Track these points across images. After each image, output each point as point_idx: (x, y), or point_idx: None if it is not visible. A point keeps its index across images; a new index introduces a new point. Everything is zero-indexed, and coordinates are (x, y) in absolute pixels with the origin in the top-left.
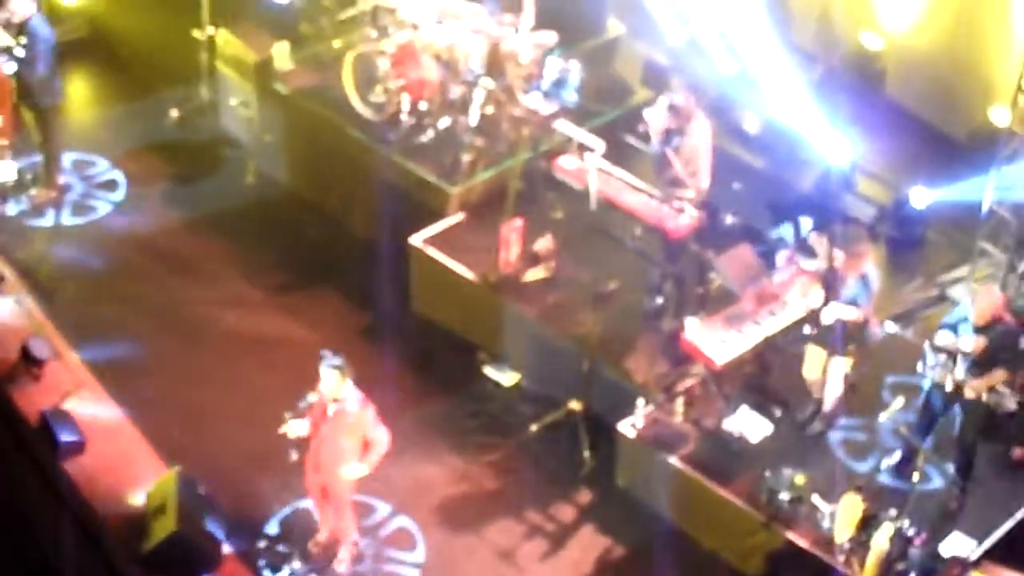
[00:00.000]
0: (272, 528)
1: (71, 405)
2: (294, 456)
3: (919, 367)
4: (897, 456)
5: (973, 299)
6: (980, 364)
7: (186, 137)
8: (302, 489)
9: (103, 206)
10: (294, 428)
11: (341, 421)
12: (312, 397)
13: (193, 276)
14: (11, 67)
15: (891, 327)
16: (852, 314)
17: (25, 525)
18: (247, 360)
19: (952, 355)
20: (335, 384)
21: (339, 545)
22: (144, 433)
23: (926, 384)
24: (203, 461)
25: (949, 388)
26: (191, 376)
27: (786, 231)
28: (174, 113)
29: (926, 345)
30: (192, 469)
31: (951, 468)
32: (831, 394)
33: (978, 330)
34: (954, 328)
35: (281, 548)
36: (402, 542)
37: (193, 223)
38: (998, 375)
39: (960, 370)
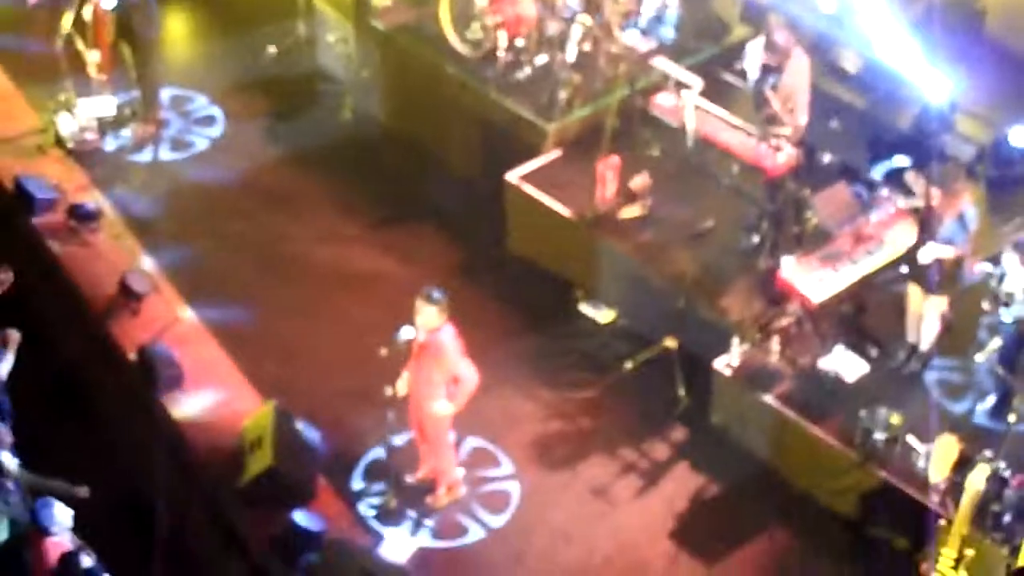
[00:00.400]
0: (368, 463)
1: (169, 339)
2: (389, 391)
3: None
4: (993, 397)
5: None
6: None
7: (284, 73)
8: (398, 424)
9: (201, 142)
10: (404, 334)
11: (432, 354)
12: (408, 331)
13: (290, 212)
14: (111, 2)
15: (989, 267)
16: (949, 253)
17: (125, 458)
18: (343, 295)
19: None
20: (432, 318)
21: (437, 483)
22: (241, 367)
23: (1007, 319)
24: (300, 396)
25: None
26: (288, 311)
27: (884, 169)
28: (272, 49)
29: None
30: (289, 404)
31: None
32: (927, 334)
33: None
34: None
35: (377, 483)
36: (496, 502)
37: (290, 159)
38: None
39: None
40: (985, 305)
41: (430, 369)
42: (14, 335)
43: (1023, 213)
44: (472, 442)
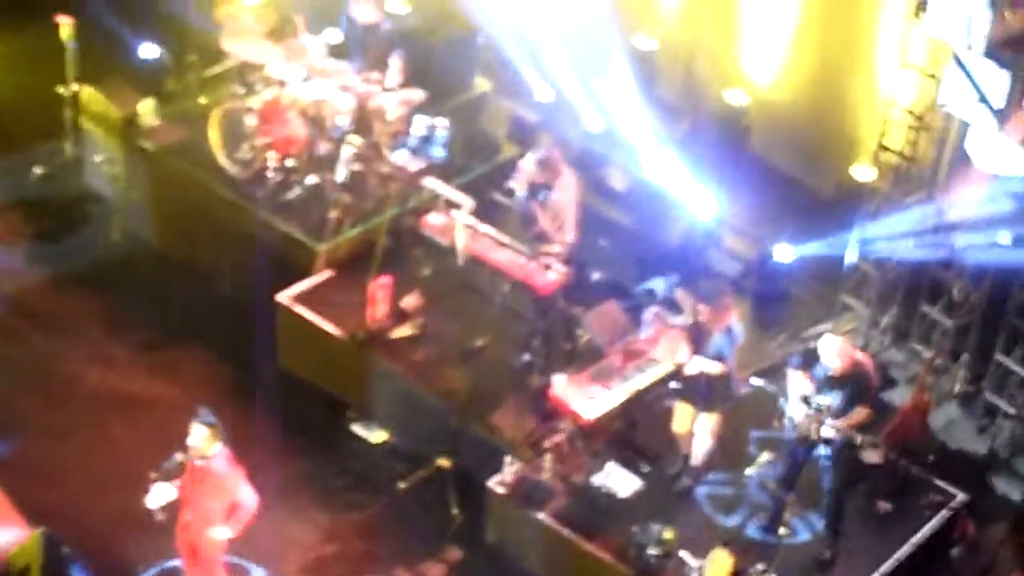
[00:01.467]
0: None
1: None
2: (160, 516)
3: (778, 420)
4: (765, 511)
5: (822, 353)
6: (843, 409)
7: (50, 194)
8: (169, 550)
9: None
10: (159, 494)
11: (208, 481)
12: (179, 456)
13: (58, 333)
14: None
15: (757, 381)
16: (715, 368)
17: None
18: (113, 418)
19: (811, 403)
20: (205, 442)
21: None
22: (7, 493)
23: (788, 434)
24: (68, 522)
25: (814, 436)
26: (55, 434)
27: (652, 287)
28: (38, 170)
29: (783, 398)
30: (57, 530)
31: (819, 521)
32: (698, 449)
33: (839, 379)
34: (820, 381)
35: None
36: None
37: (58, 280)
38: (861, 413)
39: (823, 418)
40: (775, 423)
41: (206, 494)
42: None
43: (788, 328)
44: (246, 566)
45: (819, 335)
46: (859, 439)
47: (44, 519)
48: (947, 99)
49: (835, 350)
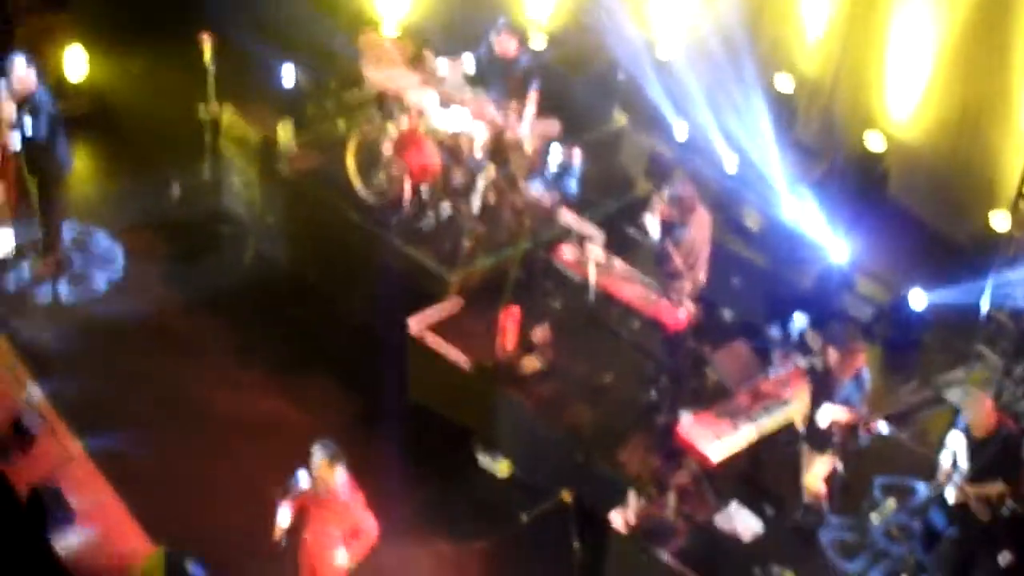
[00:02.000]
0: None
1: (61, 480)
2: (284, 543)
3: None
4: (888, 558)
5: (965, 412)
6: (980, 475)
7: (187, 215)
8: (293, 574)
9: (102, 281)
10: (280, 519)
11: (329, 507)
12: (303, 480)
13: (189, 355)
14: (16, 138)
15: (885, 428)
16: (843, 416)
17: None
18: (240, 441)
19: (955, 461)
20: (326, 469)
21: None
22: (133, 511)
23: (929, 497)
24: (191, 541)
25: (952, 501)
26: (183, 453)
27: (783, 329)
28: (176, 191)
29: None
30: (180, 546)
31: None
32: (822, 493)
33: (981, 442)
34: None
35: None
36: None
37: (191, 302)
38: (995, 488)
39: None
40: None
41: (327, 520)
42: None
43: (920, 376)
44: None
45: (950, 383)
46: (986, 514)
47: (168, 537)
48: None
49: (978, 411)
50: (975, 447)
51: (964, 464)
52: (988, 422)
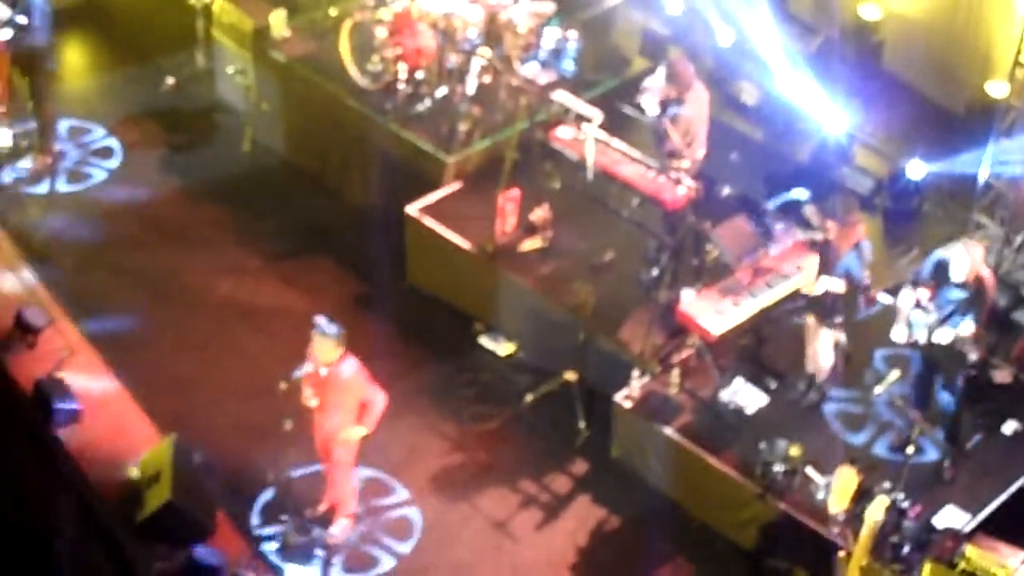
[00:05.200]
0: (267, 496)
1: (66, 373)
2: (288, 425)
3: (895, 332)
4: (893, 429)
5: (963, 255)
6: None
7: (182, 104)
8: (295, 457)
9: (98, 173)
10: (303, 369)
11: (336, 386)
12: (305, 367)
13: (188, 244)
14: (6, 35)
15: (886, 299)
16: (842, 286)
17: (18, 494)
18: (242, 328)
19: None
20: (328, 350)
21: (336, 514)
22: (139, 401)
23: (906, 341)
24: (198, 430)
25: (923, 341)
26: (186, 344)
27: (783, 202)
28: (170, 80)
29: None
30: (187, 438)
31: (938, 431)
32: (825, 366)
33: (960, 285)
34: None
35: (276, 517)
36: (399, 529)
37: (189, 191)
38: (968, 327)
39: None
40: (895, 337)
41: (336, 400)
42: None
43: (920, 246)
44: (373, 474)
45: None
46: (972, 353)
47: (175, 427)
48: None
49: (968, 257)
50: (952, 290)
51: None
52: (977, 270)
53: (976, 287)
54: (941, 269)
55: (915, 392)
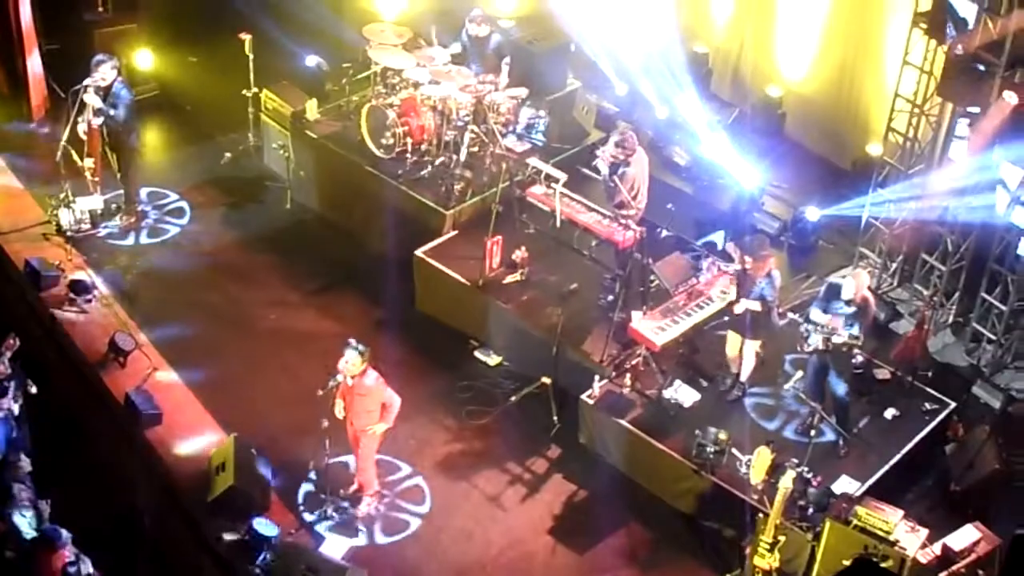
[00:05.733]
0: (309, 481)
1: (150, 386)
2: (325, 424)
3: (802, 344)
4: (798, 417)
5: (850, 280)
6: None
7: (237, 174)
8: (332, 450)
9: (173, 229)
10: (335, 379)
11: (360, 391)
12: (338, 378)
13: (245, 283)
14: (99, 121)
15: (791, 315)
16: (758, 306)
17: (116, 482)
18: (287, 348)
19: (822, 326)
20: (356, 363)
21: (363, 492)
22: (208, 407)
23: (809, 349)
24: (255, 429)
25: (821, 346)
26: (244, 362)
27: (709, 241)
28: (227, 155)
29: (804, 323)
30: (245, 435)
31: (832, 418)
32: (745, 368)
33: (848, 302)
34: (826, 304)
35: (317, 496)
36: (414, 496)
37: (244, 241)
38: (854, 334)
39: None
40: (811, 342)
41: (362, 403)
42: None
43: (817, 273)
44: (391, 459)
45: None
46: (857, 353)
47: (236, 427)
48: (941, 92)
49: (857, 281)
50: (844, 306)
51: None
52: (861, 291)
53: (862, 304)
54: (833, 290)
55: (813, 387)
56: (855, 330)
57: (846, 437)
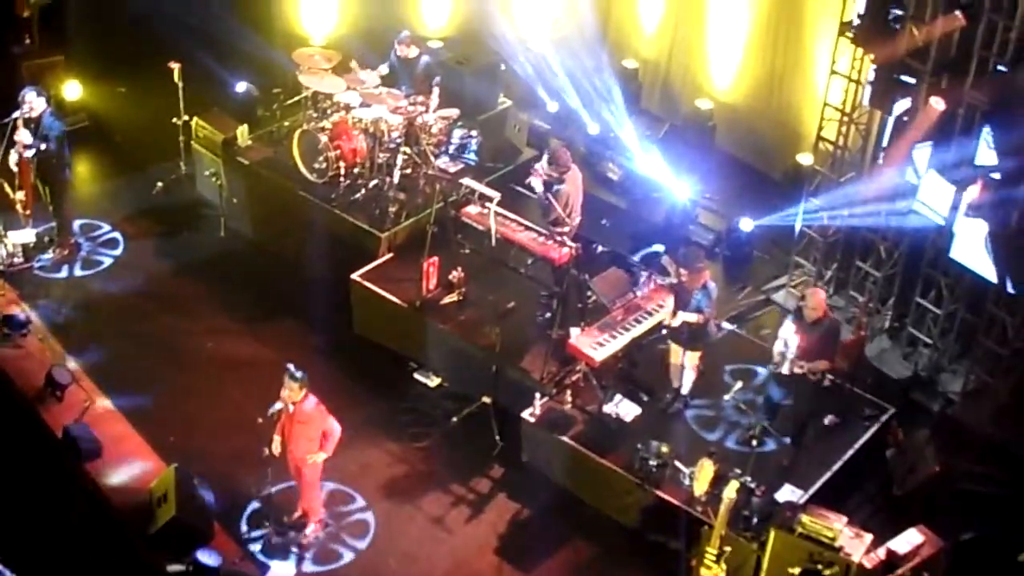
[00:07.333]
0: (252, 509)
1: (88, 419)
2: (266, 452)
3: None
4: (739, 428)
5: (806, 299)
6: (808, 353)
7: (170, 202)
8: (274, 476)
9: (108, 260)
10: (275, 406)
11: (302, 420)
12: (277, 405)
13: (182, 312)
14: (30, 153)
15: (728, 326)
16: (693, 318)
17: (53, 516)
18: (226, 376)
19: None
20: (295, 391)
21: (307, 520)
22: (147, 438)
23: (767, 376)
24: (195, 459)
25: (787, 372)
26: (184, 392)
27: (644, 255)
28: (160, 184)
29: (777, 341)
30: (186, 465)
31: (785, 437)
32: (685, 381)
33: (811, 325)
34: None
35: (260, 524)
36: (359, 529)
37: (180, 270)
38: (822, 364)
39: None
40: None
41: (302, 431)
42: None
43: (752, 284)
44: (335, 486)
45: (775, 288)
46: (819, 378)
47: (176, 457)
48: (870, 101)
49: (817, 299)
50: (806, 330)
51: (793, 345)
52: (820, 310)
53: (827, 325)
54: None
55: (765, 405)
56: (820, 363)
57: (797, 450)
